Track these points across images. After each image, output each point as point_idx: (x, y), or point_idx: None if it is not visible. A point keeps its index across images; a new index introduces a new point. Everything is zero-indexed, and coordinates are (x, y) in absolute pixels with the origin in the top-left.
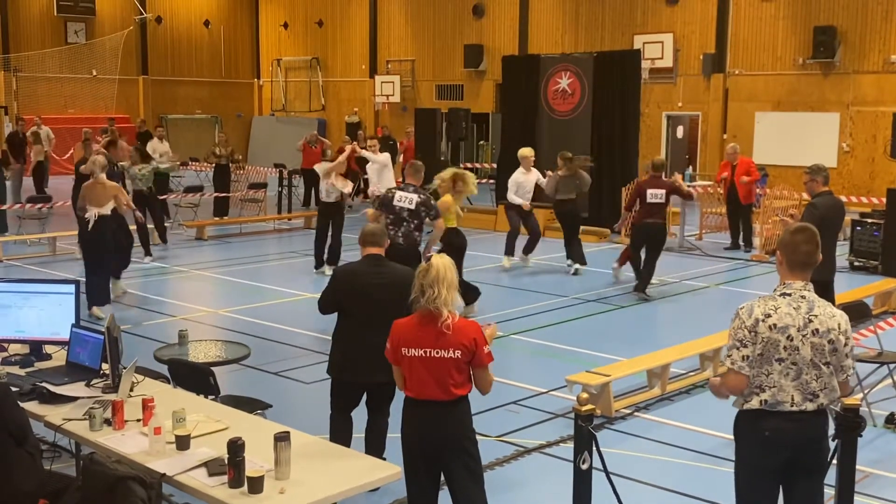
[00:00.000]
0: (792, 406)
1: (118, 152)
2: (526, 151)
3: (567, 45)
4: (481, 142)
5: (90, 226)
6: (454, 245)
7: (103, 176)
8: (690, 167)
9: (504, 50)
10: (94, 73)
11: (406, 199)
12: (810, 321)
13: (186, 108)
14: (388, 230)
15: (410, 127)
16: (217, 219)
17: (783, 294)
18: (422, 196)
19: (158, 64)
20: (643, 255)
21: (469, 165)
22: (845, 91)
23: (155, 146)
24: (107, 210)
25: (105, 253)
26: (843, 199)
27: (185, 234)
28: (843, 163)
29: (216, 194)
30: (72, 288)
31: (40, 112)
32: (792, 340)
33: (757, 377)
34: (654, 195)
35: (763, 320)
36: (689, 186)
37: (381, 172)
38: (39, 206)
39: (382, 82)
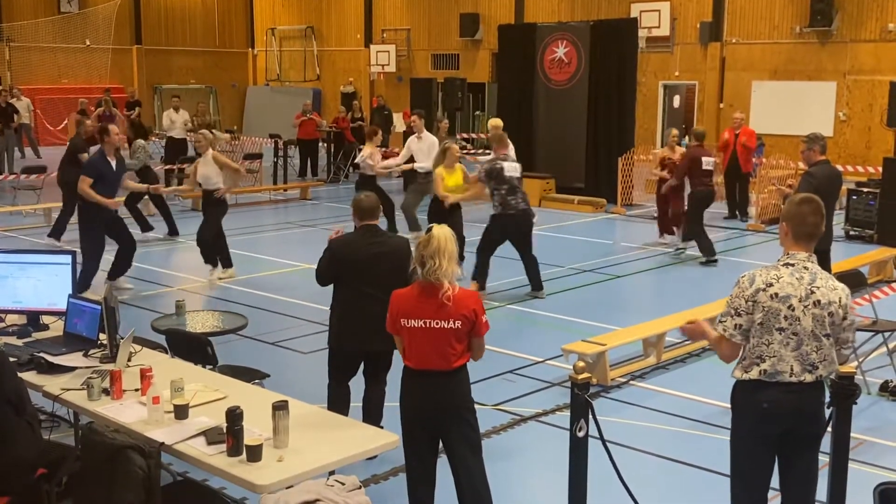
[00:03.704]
0: (791, 376)
1: (112, 139)
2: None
3: (563, 13)
4: (477, 112)
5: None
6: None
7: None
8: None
9: (500, 19)
10: (88, 43)
11: (514, 169)
12: (812, 292)
13: (180, 77)
14: (508, 199)
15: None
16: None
17: (786, 264)
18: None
19: (152, 33)
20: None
21: (465, 136)
22: (842, 60)
23: (171, 116)
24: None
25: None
26: (840, 168)
27: (180, 204)
28: (840, 132)
29: None
30: (68, 258)
31: (34, 82)
32: (793, 311)
33: (757, 347)
34: (708, 162)
35: (764, 289)
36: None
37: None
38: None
39: (378, 52)
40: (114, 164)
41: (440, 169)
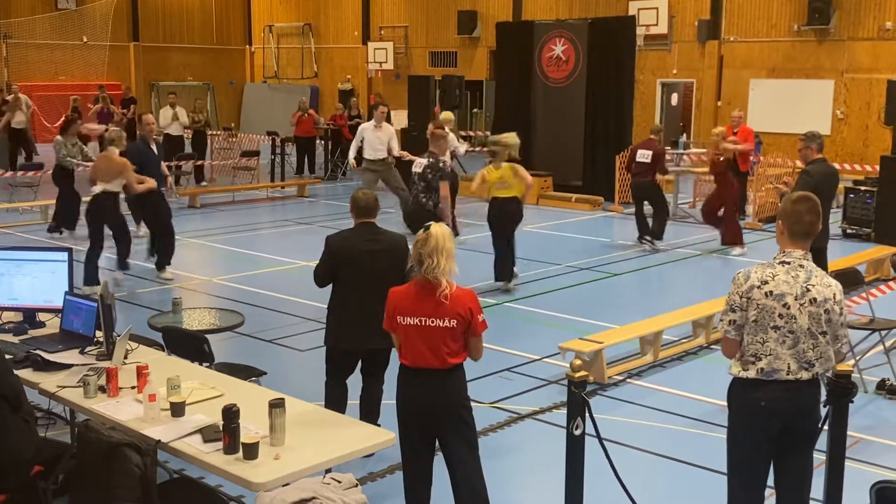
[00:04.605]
0: (787, 374)
1: (144, 127)
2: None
3: (561, 10)
4: (475, 109)
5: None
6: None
7: (114, 149)
8: (684, 135)
9: (498, 16)
10: (85, 40)
11: (418, 165)
12: (807, 290)
13: (178, 75)
14: (419, 196)
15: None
16: (205, 186)
17: (782, 262)
18: (430, 160)
19: (149, 30)
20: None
21: (462, 133)
22: (840, 58)
23: (168, 114)
24: (115, 187)
25: (112, 229)
26: (837, 166)
27: (177, 202)
28: (837, 130)
29: (213, 162)
30: (65, 256)
31: (31, 79)
32: (788, 308)
33: (752, 345)
34: (643, 155)
35: (759, 287)
36: (682, 154)
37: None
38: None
39: (375, 49)
40: (154, 148)
41: (485, 168)
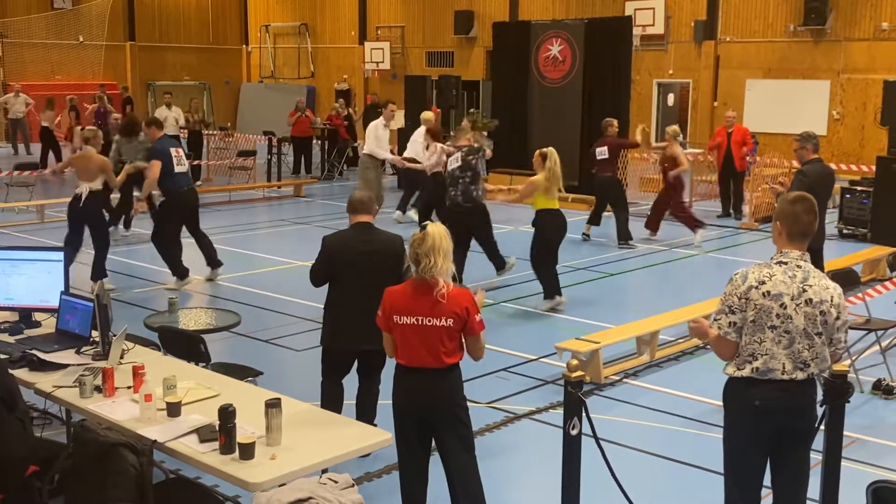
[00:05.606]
0: (783, 374)
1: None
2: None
3: (558, 11)
4: (472, 109)
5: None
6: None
7: (91, 149)
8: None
9: (495, 16)
10: (81, 40)
11: (454, 160)
12: (804, 290)
13: (174, 74)
14: (449, 191)
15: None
16: (201, 185)
17: (779, 262)
18: (464, 148)
19: (146, 30)
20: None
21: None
22: (836, 58)
23: (164, 114)
24: (97, 185)
25: (93, 231)
26: (833, 166)
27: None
28: (833, 131)
29: (209, 162)
30: (60, 255)
31: (27, 78)
32: (785, 308)
33: (749, 345)
34: (600, 152)
35: (757, 287)
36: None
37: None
38: (28, 172)
39: (372, 49)
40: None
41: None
